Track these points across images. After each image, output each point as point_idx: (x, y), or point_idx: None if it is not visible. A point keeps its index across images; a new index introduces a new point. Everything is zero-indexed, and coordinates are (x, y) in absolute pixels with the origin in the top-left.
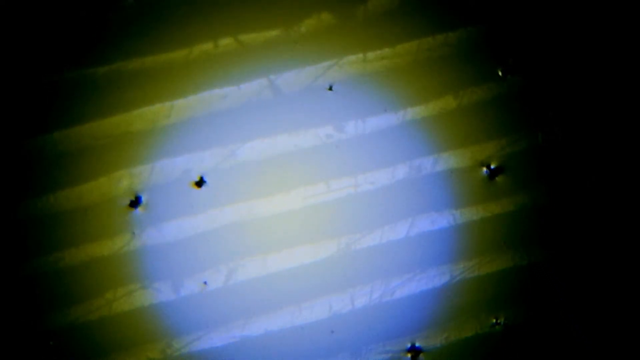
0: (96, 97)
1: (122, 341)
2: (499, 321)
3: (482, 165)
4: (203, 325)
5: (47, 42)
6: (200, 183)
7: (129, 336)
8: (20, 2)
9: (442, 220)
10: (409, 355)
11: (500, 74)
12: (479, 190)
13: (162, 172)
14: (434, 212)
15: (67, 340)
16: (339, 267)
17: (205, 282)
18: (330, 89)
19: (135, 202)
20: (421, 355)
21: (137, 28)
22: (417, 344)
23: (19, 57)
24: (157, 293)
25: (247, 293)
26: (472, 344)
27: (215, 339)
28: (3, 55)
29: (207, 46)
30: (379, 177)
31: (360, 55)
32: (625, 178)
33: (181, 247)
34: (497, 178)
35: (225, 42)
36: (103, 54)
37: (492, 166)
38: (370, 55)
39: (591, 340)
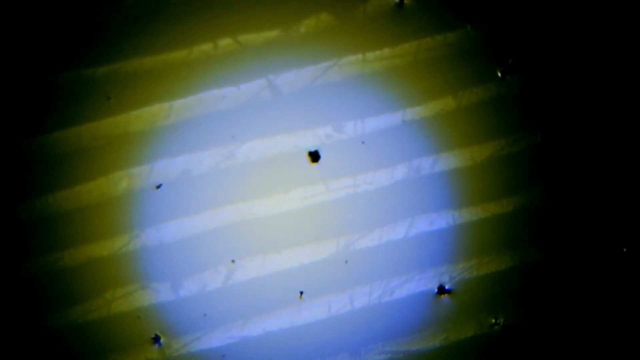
0: (95, 97)
1: (121, 341)
2: (498, 321)
3: None
4: (202, 325)
5: (47, 42)
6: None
7: (128, 336)
8: (20, 2)
9: (441, 220)
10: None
11: (499, 74)
12: (478, 190)
13: (161, 172)
14: (433, 213)
15: (66, 341)
16: (338, 267)
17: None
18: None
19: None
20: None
21: (137, 28)
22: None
23: (18, 57)
24: (157, 293)
25: (246, 293)
26: (472, 344)
27: (214, 340)
28: (2, 55)
29: (207, 46)
30: (378, 177)
31: (360, 56)
32: (625, 178)
33: (181, 247)
34: (405, 2)
35: (225, 42)
36: (102, 54)
37: None
38: (370, 55)
39: (591, 338)
